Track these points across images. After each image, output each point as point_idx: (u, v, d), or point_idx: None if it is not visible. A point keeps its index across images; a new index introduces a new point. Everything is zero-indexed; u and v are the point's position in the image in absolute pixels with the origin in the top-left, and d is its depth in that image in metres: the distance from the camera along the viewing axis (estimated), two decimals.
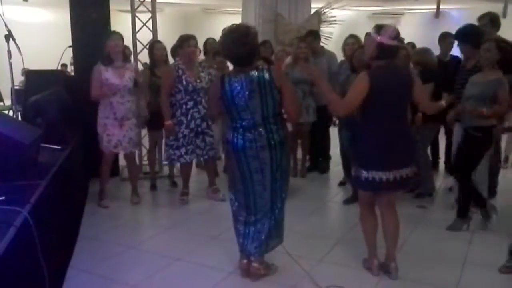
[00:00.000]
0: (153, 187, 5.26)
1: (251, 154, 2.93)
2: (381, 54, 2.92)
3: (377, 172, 2.93)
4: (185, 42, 4.48)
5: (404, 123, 3.05)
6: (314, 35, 5.84)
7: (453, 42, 5.06)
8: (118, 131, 4.49)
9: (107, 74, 4.40)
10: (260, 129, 2.93)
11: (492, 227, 3.96)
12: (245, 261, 3.16)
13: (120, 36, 4.49)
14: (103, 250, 3.61)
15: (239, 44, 2.79)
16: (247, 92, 2.87)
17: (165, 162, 5.57)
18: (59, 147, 3.93)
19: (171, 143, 4.56)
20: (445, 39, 5.36)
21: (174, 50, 5.42)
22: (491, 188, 4.66)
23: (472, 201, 3.99)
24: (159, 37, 5.55)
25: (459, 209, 3.98)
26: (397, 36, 2.91)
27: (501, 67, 3.67)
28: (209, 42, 5.89)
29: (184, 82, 4.45)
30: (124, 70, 4.48)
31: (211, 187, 4.93)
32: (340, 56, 5.59)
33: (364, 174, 2.97)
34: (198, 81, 4.47)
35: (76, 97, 4.80)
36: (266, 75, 2.88)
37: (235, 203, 3.13)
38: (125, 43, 6.33)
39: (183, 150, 4.55)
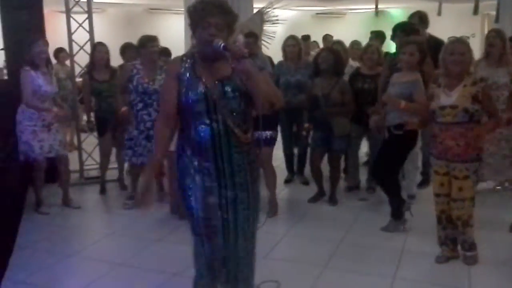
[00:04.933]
0: (103, 191, 5.10)
1: None
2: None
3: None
4: (149, 42, 4.39)
5: None
6: (254, 37, 5.80)
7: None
8: (47, 135, 4.39)
9: (40, 81, 4.31)
10: None
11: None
12: None
13: (43, 42, 4.42)
14: (40, 259, 3.48)
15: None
16: None
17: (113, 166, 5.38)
18: None
19: (129, 144, 4.49)
20: (377, 37, 5.79)
21: (123, 49, 5.32)
22: (424, 178, 4.90)
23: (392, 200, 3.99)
24: (101, 38, 5.39)
25: (393, 211, 3.97)
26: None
27: (418, 66, 3.77)
28: None
29: (134, 82, 4.35)
30: (50, 76, 4.44)
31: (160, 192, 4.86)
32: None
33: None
34: (150, 83, 4.35)
35: (9, 102, 4.59)
36: None
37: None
38: (62, 44, 6.17)
39: (130, 152, 4.48)
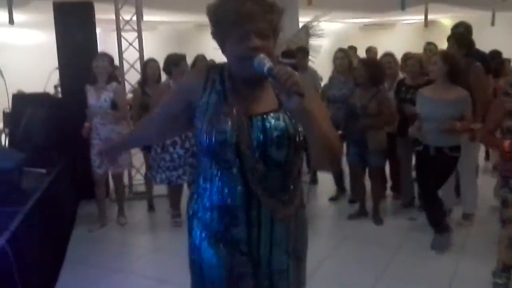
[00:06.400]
0: (151, 208, 5.16)
1: None
2: None
3: None
4: (182, 60, 4.44)
5: None
6: (304, 52, 5.78)
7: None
8: None
9: (88, 94, 4.48)
10: None
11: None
12: None
13: (103, 58, 4.51)
14: (89, 274, 3.57)
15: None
16: None
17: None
18: (44, 171, 3.91)
19: (167, 165, 4.45)
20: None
21: (168, 67, 5.44)
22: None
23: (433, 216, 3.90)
24: (151, 55, 5.53)
25: (437, 225, 3.86)
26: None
27: (450, 78, 3.66)
28: (199, 59, 5.81)
29: None
30: (102, 91, 4.49)
31: None
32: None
33: None
34: None
35: (63, 119, 4.79)
36: None
37: None
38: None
39: (180, 171, 4.45)
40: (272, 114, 1.50)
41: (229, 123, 1.47)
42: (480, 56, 4.63)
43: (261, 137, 1.48)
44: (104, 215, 4.70)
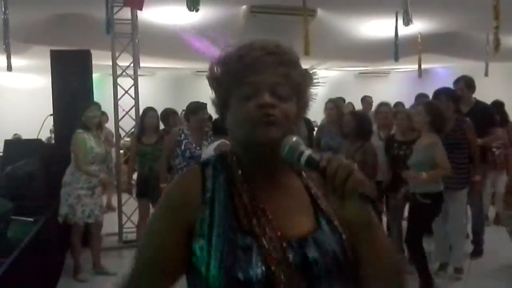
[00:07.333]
0: None
1: None
2: None
3: None
4: (200, 109, 4.42)
5: None
6: None
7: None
8: (90, 200, 4.41)
9: (92, 143, 4.43)
10: None
11: None
12: None
13: (99, 108, 4.57)
14: None
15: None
16: None
17: None
18: (31, 219, 3.83)
19: None
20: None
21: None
22: (476, 247, 4.61)
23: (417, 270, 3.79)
24: (149, 99, 5.57)
25: (421, 280, 3.75)
26: None
27: (433, 128, 3.69)
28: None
29: (182, 147, 4.37)
30: (101, 140, 4.55)
31: None
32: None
33: None
34: (198, 148, 4.33)
35: (54, 166, 4.74)
36: None
37: None
38: (109, 106, 6.15)
39: None
40: (313, 235, 0.99)
41: (256, 260, 0.93)
42: (484, 108, 4.58)
43: (304, 276, 0.96)
44: (81, 265, 4.57)
